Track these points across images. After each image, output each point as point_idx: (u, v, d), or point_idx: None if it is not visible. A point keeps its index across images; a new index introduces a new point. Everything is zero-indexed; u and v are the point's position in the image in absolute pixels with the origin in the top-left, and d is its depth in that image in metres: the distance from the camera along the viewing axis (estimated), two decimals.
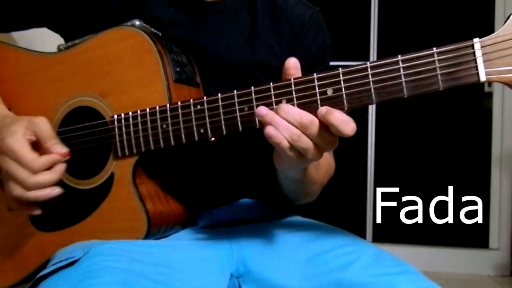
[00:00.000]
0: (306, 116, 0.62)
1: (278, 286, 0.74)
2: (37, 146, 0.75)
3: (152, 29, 0.80)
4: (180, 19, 0.85)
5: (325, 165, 0.89)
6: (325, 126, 0.62)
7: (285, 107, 0.63)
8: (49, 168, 0.74)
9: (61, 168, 0.75)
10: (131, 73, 0.77)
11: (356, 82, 0.63)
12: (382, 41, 2.52)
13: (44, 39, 0.97)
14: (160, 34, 0.81)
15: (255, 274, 0.77)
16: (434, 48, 0.60)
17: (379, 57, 2.47)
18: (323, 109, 0.62)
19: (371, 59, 2.49)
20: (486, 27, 2.39)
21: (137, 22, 0.78)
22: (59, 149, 0.75)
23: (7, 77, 0.89)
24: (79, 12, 0.85)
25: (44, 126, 0.75)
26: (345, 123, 0.60)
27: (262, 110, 0.64)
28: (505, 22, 0.59)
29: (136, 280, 0.64)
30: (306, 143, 0.63)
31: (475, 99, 2.52)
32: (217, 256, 0.79)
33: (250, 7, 0.89)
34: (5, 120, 0.79)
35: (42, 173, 0.73)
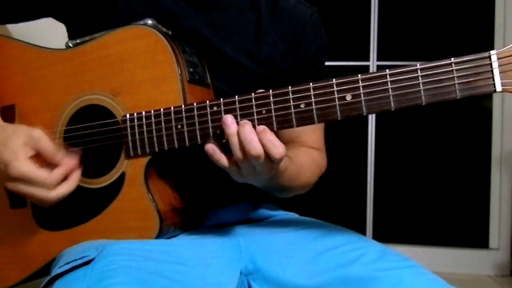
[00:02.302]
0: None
1: (286, 282, 0.75)
2: (38, 158, 0.75)
3: (164, 28, 0.79)
4: (190, 13, 0.85)
5: (310, 170, 0.89)
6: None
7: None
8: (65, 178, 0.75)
9: (76, 176, 0.76)
10: (144, 72, 0.77)
11: (375, 89, 0.64)
12: (382, 41, 2.52)
13: (43, 37, 0.96)
14: (171, 33, 0.80)
15: (264, 271, 0.78)
16: (452, 58, 0.62)
17: (379, 58, 2.49)
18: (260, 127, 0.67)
19: (371, 60, 2.50)
20: (485, 27, 2.40)
21: (150, 21, 0.78)
22: (70, 161, 0.75)
23: (12, 72, 0.87)
24: (91, 1, 0.84)
25: (44, 142, 0.74)
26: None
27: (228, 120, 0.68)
28: None
29: (152, 278, 0.64)
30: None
31: (475, 99, 2.53)
32: (227, 253, 0.80)
33: (253, 5, 0.90)
34: None
35: (60, 187, 0.74)
